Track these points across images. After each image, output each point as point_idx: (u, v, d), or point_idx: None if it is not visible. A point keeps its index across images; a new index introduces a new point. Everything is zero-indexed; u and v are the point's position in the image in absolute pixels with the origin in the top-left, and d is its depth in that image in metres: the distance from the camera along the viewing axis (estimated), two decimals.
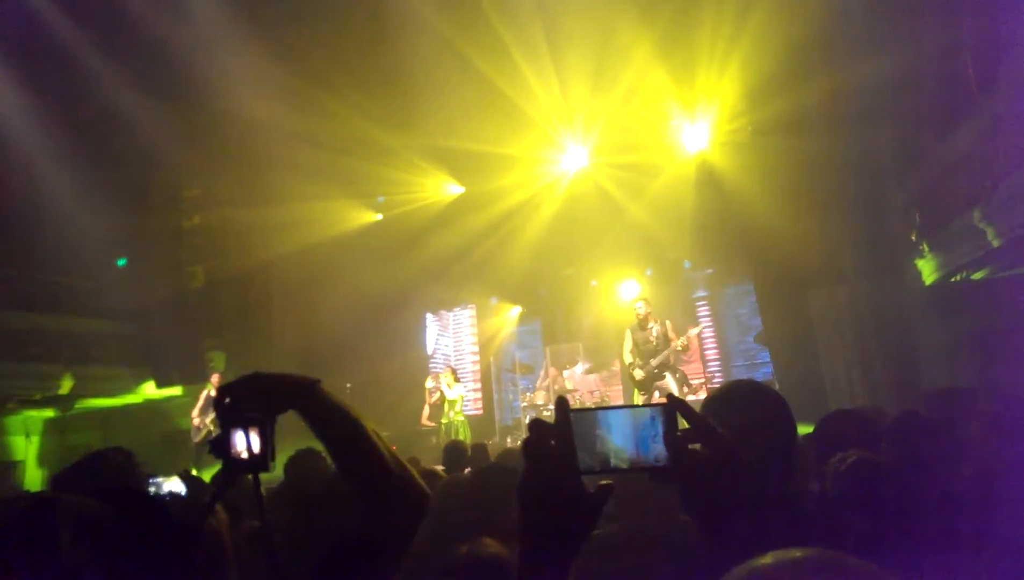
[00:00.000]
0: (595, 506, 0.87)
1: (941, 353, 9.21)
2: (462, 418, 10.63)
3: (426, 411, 11.38)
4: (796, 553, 0.63)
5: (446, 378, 10.79)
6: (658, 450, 0.90)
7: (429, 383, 11.34)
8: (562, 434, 0.88)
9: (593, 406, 0.87)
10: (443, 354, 14.49)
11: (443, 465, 5.03)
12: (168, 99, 10.51)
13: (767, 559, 0.64)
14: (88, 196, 10.47)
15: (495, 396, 13.61)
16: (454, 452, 5.16)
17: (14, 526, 0.96)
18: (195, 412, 10.30)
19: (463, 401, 10.79)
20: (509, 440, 11.45)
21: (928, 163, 9.19)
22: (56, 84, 10.08)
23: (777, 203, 9.62)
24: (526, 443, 0.89)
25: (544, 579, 0.85)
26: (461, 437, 9.54)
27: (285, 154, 11.51)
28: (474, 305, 14.44)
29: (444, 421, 10.58)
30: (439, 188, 13.21)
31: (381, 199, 14.02)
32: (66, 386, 10.90)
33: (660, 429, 0.90)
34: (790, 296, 10.27)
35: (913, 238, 9.54)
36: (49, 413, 11.93)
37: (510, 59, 10.35)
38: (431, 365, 14.31)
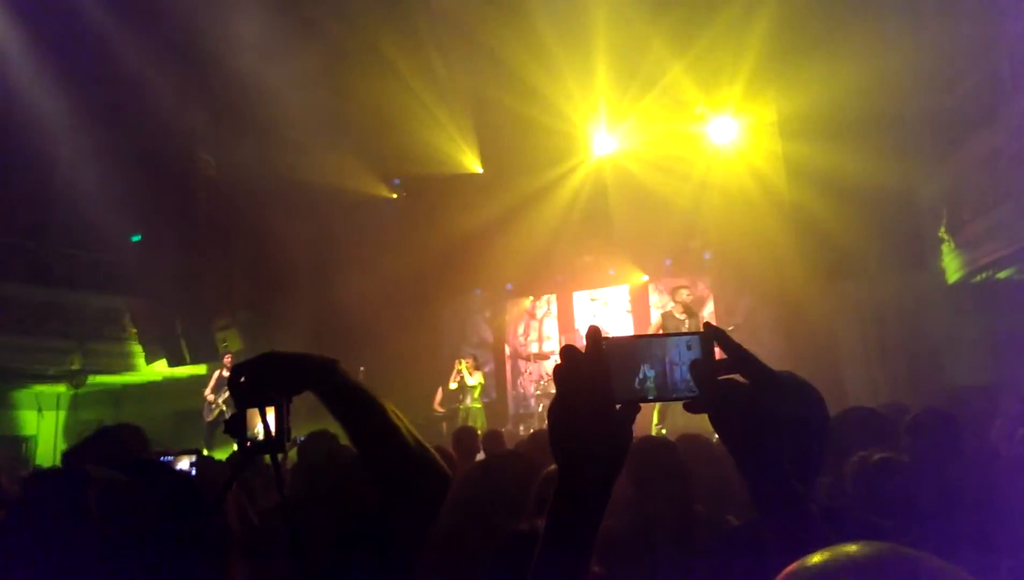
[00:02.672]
0: (625, 429, 0.86)
1: (965, 351, 9.05)
2: (479, 406, 10.60)
3: (439, 396, 11.32)
4: (853, 548, 0.56)
5: (466, 365, 10.77)
6: (692, 380, 0.88)
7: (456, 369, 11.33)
8: (595, 361, 0.86)
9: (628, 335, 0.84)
10: (456, 339, 14.40)
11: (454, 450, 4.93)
12: (188, 75, 10.46)
13: (822, 557, 0.56)
14: (105, 171, 10.45)
15: (509, 383, 13.53)
16: (464, 438, 5.07)
17: (47, 499, 0.99)
18: (207, 391, 10.28)
19: (482, 388, 10.77)
20: (522, 428, 11.35)
21: (957, 160, 9.02)
22: (78, 59, 10.05)
23: (802, 195, 9.47)
24: (558, 369, 0.87)
25: (582, 507, 0.85)
26: (478, 425, 9.48)
27: (303, 133, 11.46)
28: (489, 290, 14.33)
29: (462, 407, 10.55)
30: (459, 169, 13.11)
31: (396, 182, 13.94)
32: (78, 362, 10.92)
33: (688, 356, 0.88)
34: (813, 288, 10.10)
35: (941, 234, 9.37)
36: (61, 388, 11.97)
37: (538, 41, 10.24)
38: (445, 350, 14.25)
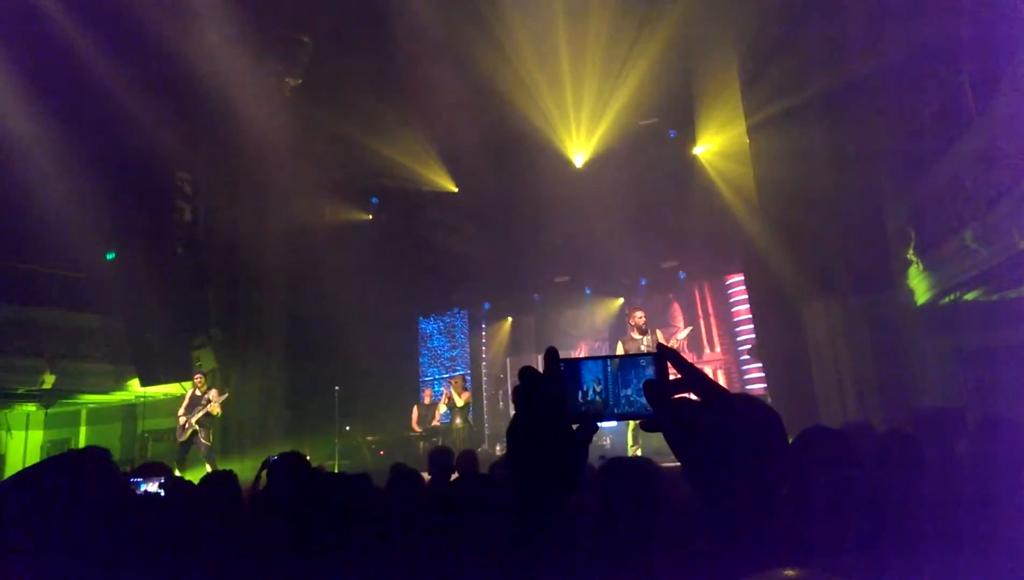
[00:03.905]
0: (582, 445, 0.89)
1: (934, 373, 9.22)
2: (465, 425, 10.55)
3: (415, 415, 11.28)
4: (789, 573, 0.60)
5: (455, 386, 10.71)
6: (640, 397, 0.89)
7: (438, 391, 11.29)
8: (551, 381, 0.89)
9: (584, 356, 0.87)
10: (433, 359, 14.39)
11: (428, 471, 4.93)
12: (164, 94, 10.44)
13: None
14: (78, 188, 10.36)
15: (485, 403, 13.52)
16: (439, 457, 5.06)
17: (78, 466, 1.11)
18: (180, 410, 10.15)
19: (469, 409, 10.71)
20: (499, 447, 11.35)
21: (924, 183, 9.23)
22: (49, 74, 9.98)
23: (773, 212, 9.62)
24: (516, 390, 0.89)
25: (538, 519, 0.87)
26: (459, 444, 9.46)
27: (278, 154, 11.47)
28: (466, 310, 14.36)
29: (454, 427, 10.50)
30: (434, 189, 13.18)
31: (375, 201, 13.98)
32: (49, 381, 10.74)
33: (642, 377, 0.90)
34: (785, 308, 10.24)
35: (909, 256, 9.56)
36: (31, 407, 11.77)
37: (506, 58, 10.40)
38: (421, 370, 14.22)
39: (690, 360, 0.92)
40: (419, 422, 11.15)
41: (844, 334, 9.95)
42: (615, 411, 0.90)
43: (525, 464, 0.88)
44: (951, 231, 8.69)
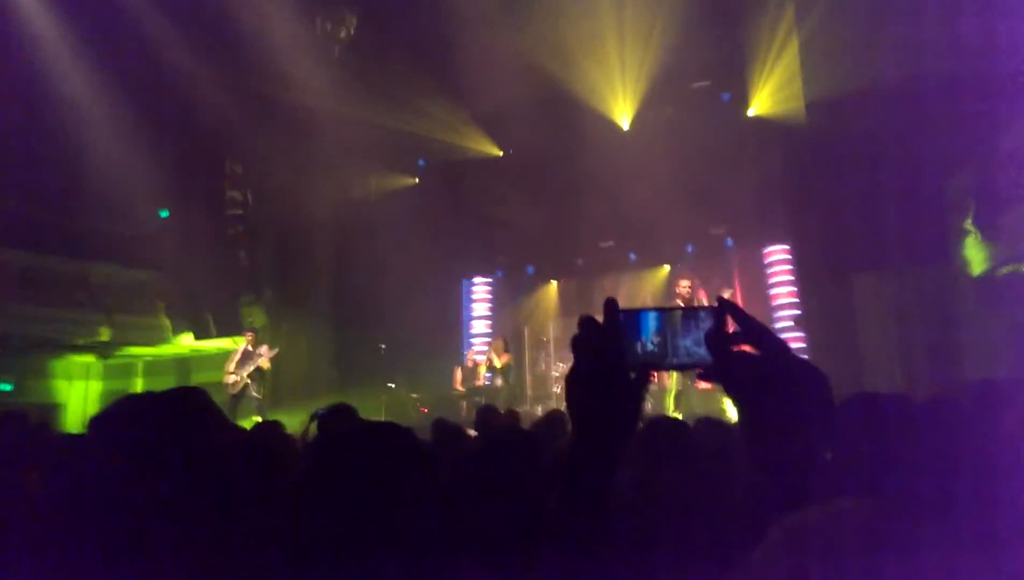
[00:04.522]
0: (638, 395, 0.90)
1: (986, 347, 8.97)
2: (507, 385, 10.75)
3: (459, 375, 11.47)
4: (850, 500, 0.60)
5: (496, 348, 10.92)
6: (705, 351, 0.91)
7: (478, 353, 11.46)
8: (610, 330, 0.90)
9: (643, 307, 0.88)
10: (476, 320, 14.52)
11: (475, 429, 5.04)
12: (214, 54, 10.60)
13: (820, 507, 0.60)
14: (133, 148, 10.64)
15: (527, 366, 13.64)
16: (487, 415, 5.17)
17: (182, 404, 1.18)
18: (231, 365, 10.49)
19: (510, 370, 10.91)
20: (540, 409, 11.47)
21: (988, 150, 8.89)
22: (111, 34, 10.20)
23: (827, 179, 9.39)
24: (575, 339, 0.91)
25: (594, 467, 0.89)
26: (503, 404, 9.62)
27: (327, 116, 11.58)
28: (510, 274, 14.42)
29: (494, 387, 10.72)
30: (479, 151, 13.18)
31: (422, 163, 14.03)
32: (105, 333, 11.18)
33: (702, 329, 0.91)
34: (833, 280, 10.04)
35: (966, 226, 9.26)
36: (90, 359, 12.27)
37: (553, 19, 10.26)
38: (465, 330, 14.38)
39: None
40: (462, 382, 11.35)
41: (895, 305, 9.74)
42: (673, 361, 0.92)
43: (582, 411, 0.90)
44: (1013, 201, 8.40)
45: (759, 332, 0.91)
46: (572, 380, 0.91)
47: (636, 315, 0.93)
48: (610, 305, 0.92)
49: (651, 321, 0.93)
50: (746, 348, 0.91)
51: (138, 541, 1.16)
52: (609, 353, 0.90)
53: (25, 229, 10.74)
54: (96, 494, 1.15)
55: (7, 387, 10.88)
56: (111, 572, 1.09)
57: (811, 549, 0.56)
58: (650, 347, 0.92)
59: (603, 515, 0.91)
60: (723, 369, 0.90)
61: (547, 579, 0.93)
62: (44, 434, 3.90)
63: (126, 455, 1.22)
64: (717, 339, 0.90)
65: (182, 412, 1.27)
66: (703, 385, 9.79)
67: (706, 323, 0.91)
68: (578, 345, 0.91)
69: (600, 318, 0.92)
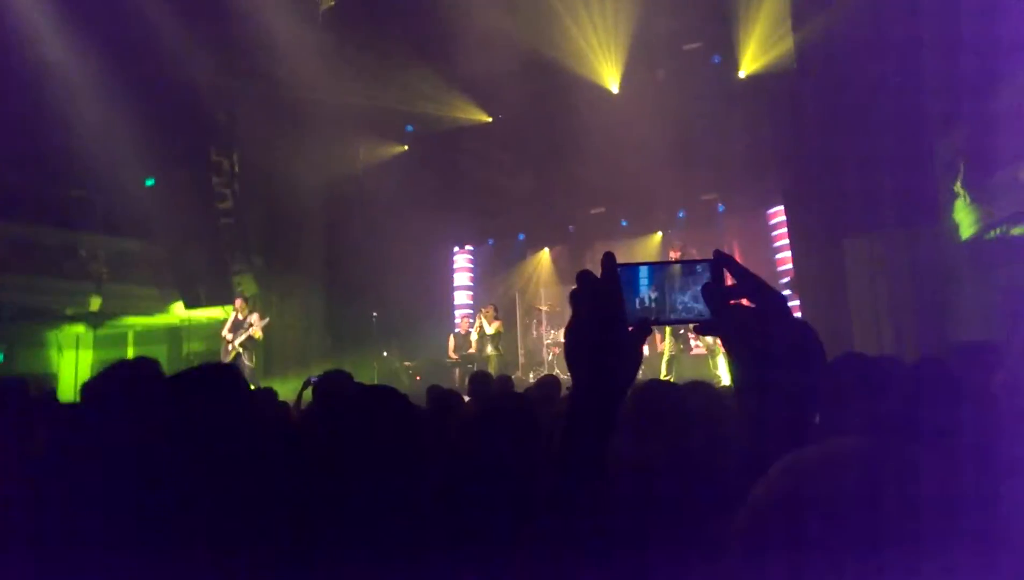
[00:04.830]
0: (636, 348, 0.91)
1: (975, 310, 9.05)
2: (497, 353, 10.79)
3: (452, 343, 11.51)
4: (849, 441, 0.59)
5: (486, 315, 10.95)
6: (702, 302, 0.91)
7: (471, 319, 11.48)
8: (608, 284, 0.90)
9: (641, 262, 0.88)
10: (467, 288, 14.54)
11: (469, 394, 5.07)
12: (199, 19, 10.39)
13: (816, 448, 0.60)
14: (121, 115, 10.49)
15: (519, 332, 13.69)
16: (480, 381, 5.20)
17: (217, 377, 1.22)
18: (224, 331, 10.48)
19: (500, 337, 10.94)
20: (532, 375, 11.54)
21: (978, 112, 8.86)
22: (93, 4, 9.99)
23: (816, 141, 9.36)
24: (573, 293, 0.91)
25: (593, 421, 0.90)
26: (495, 371, 9.67)
27: (313, 82, 11.41)
28: (501, 241, 14.40)
29: (484, 355, 10.75)
30: (468, 118, 13.04)
31: (409, 128, 13.89)
32: (95, 303, 11.13)
33: (699, 283, 0.91)
34: (825, 243, 10.07)
35: (956, 188, 9.28)
36: (80, 329, 12.23)
37: None
38: (455, 299, 14.40)
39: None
40: (455, 350, 11.39)
41: (884, 267, 9.80)
42: (671, 316, 0.93)
43: (581, 364, 0.91)
44: (1003, 163, 8.42)
45: (756, 285, 0.91)
46: (571, 333, 0.92)
47: (633, 269, 0.93)
48: (608, 259, 0.92)
49: (648, 275, 0.93)
50: (743, 302, 0.91)
51: (138, 507, 1.16)
52: (607, 306, 0.90)
53: (14, 199, 10.62)
54: (96, 460, 1.16)
55: None
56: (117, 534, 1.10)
57: (808, 479, 0.56)
58: (647, 301, 0.92)
59: (601, 472, 0.91)
60: (721, 322, 0.91)
61: (544, 542, 0.93)
62: (44, 401, 3.89)
63: (122, 421, 1.22)
64: (714, 292, 0.90)
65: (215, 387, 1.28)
66: (696, 350, 9.87)
67: (703, 277, 0.92)
68: (577, 299, 0.91)
69: (597, 274, 0.92)
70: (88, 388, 2.64)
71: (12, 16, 9.86)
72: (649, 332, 0.92)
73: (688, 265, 0.93)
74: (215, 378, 1.35)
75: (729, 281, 0.92)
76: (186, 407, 1.22)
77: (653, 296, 0.93)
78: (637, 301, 0.92)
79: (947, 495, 0.53)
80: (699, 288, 0.91)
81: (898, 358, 4.68)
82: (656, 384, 2.77)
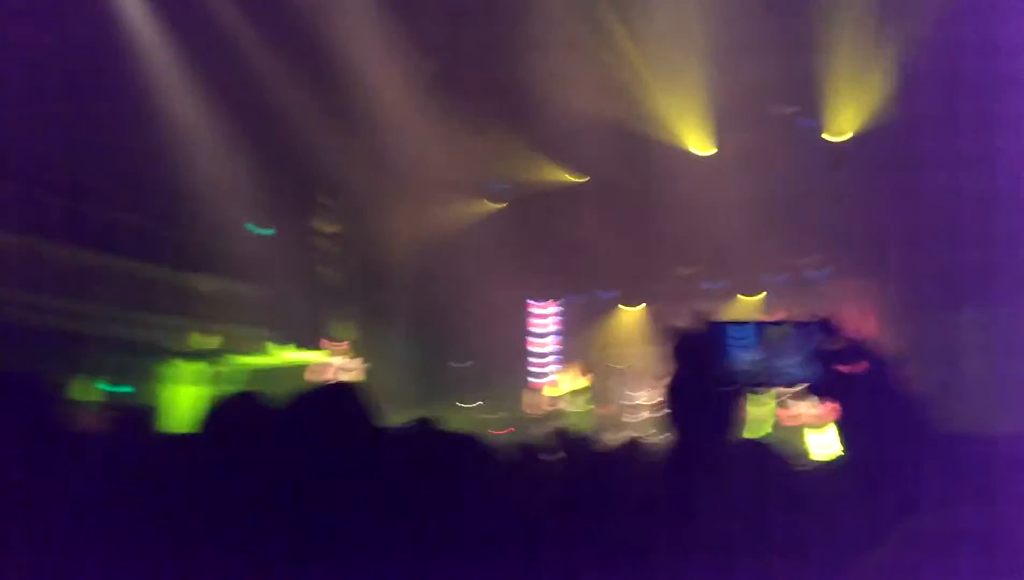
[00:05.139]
0: (734, 405, 0.87)
1: None
2: (588, 408, 10.61)
3: (533, 397, 11.49)
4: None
5: (575, 370, 10.81)
6: (809, 366, 0.82)
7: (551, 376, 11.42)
8: (711, 343, 0.88)
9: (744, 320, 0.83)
10: (548, 344, 14.49)
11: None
12: (316, 82, 11.15)
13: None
14: (239, 166, 11.30)
15: (597, 393, 13.49)
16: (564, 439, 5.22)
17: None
18: (316, 378, 10.89)
19: (590, 393, 10.79)
20: (609, 437, 11.34)
21: None
22: (214, 58, 10.83)
23: (925, 212, 9.00)
24: (676, 348, 0.91)
25: (692, 474, 0.89)
26: (585, 427, 9.60)
27: (415, 139, 11.94)
28: (587, 297, 14.38)
29: (573, 411, 10.63)
30: (561, 176, 13.24)
31: (503, 185, 14.21)
32: (214, 342, 11.84)
33: (809, 346, 0.83)
34: (932, 312, 9.59)
35: None
36: (200, 366, 12.98)
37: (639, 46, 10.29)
38: (535, 355, 14.38)
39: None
40: (530, 406, 11.34)
41: (996, 339, 9.22)
42: (773, 379, 0.88)
43: (679, 418, 0.92)
44: None
45: (866, 348, 0.91)
46: (671, 389, 0.94)
47: (736, 327, 0.90)
48: (712, 316, 0.92)
49: (753, 334, 0.90)
50: (857, 368, 0.92)
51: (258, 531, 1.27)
52: (707, 364, 0.91)
53: (142, 241, 11.51)
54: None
55: (128, 390, 11.54)
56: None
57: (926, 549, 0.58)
58: (750, 361, 0.86)
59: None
60: (834, 385, 0.88)
61: None
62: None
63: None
64: (820, 354, 0.88)
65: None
66: (789, 422, 9.48)
67: (810, 339, 0.86)
68: (679, 354, 0.92)
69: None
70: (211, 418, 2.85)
71: (144, 69, 10.70)
72: (743, 395, 0.91)
73: (795, 327, 0.88)
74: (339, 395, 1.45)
75: (837, 346, 0.89)
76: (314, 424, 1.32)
77: (758, 358, 0.86)
78: (742, 362, 0.87)
79: None
80: (807, 350, 0.85)
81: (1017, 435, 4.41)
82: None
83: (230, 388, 12.89)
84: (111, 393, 10.88)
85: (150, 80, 10.80)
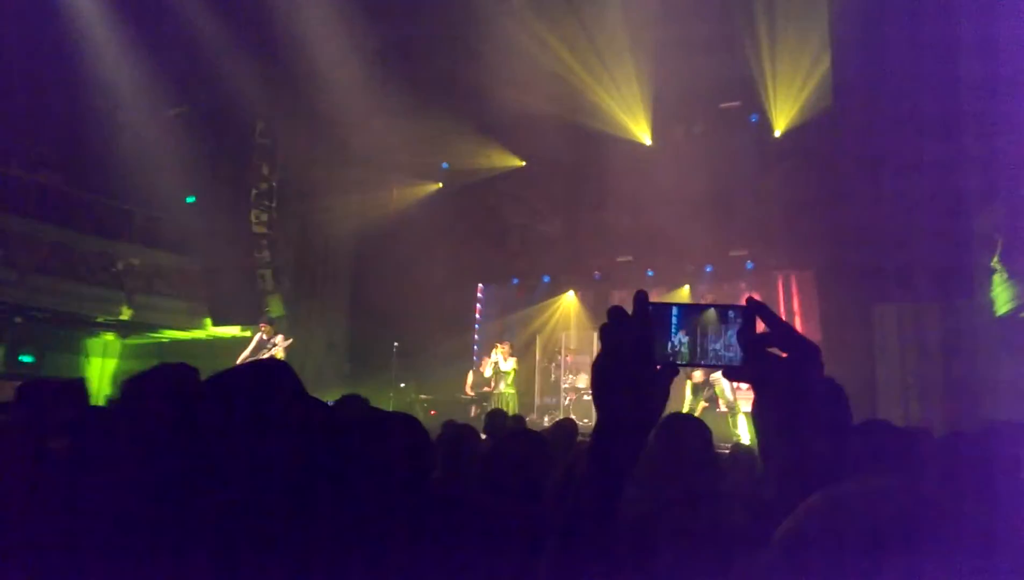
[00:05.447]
0: (664, 386, 0.91)
1: (1008, 388, 8.83)
2: (512, 391, 10.74)
3: (470, 379, 11.47)
4: (881, 481, 0.59)
5: (503, 350, 10.93)
6: (733, 349, 0.90)
7: (492, 354, 11.42)
8: (639, 322, 0.90)
9: (672, 302, 0.87)
10: (490, 326, 14.54)
11: (484, 432, 5.04)
12: (249, 46, 10.75)
13: (848, 486, 0.59)
14: (169, 134, 10.82)
15: (537, 376, 13.62)
16: (495, 419, 5.17)
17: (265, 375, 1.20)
18: (245, 354, 10.55)
19: (515, 374, 10.90)
20: (547, 419, 11.44)
21: (1015, 191, 8.79)
22: (152, 26, 10.38)
23: (854, 209, 9.32)
24: (604, 328, 0.91)
25: (615, 456, 0.90)
26: (510, 409, 9.59)
27: (357, 116, 11.69)
28: (526, 281, 14.45)
29: (495, 393, 10.70)
30: (502, 160, 13.24)
31: (445, 166, 14.11)
32: (127, 313, 11.32)
33: (737, 329, 0.90)
34: (855, 308, 9.96)
35: (993, 264, 9.14)
36: (109, 337, 12.42)
37: (584, 33, 10.34)
38: (477, 336, 14.40)
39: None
40: (472, 386, 11.35)
41: (914, 338, 9.64)
42: (700, 360, 0.92)
43: (607, 399, 0.91)
44: None
45: (791, 335, 0.90)
46: (598, 367, 0.92)
47: (666, 308, 0.92)
48: (640, 296, 0.92)
49: (680, 316, 0.92)
50: (777, 351, 0.90)
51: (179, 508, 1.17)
52: (637, 343, 0.90)
53: (56, 203, 10.92)
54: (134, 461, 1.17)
55: (29, 359, 11.03)
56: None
57: (847, 519, 0.55)
58: (678, 343, 0.92)
59: (615, 507, 0.91)
60: (753, 369, 0.90)
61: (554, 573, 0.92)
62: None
63: (163, 421, 1.24)
64: (749, 338, 0.90)
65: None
66: (719, 410, 9.72)
67: (735, 323, 0.91)
68: (606, 334, 0.91)
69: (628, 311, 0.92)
70: (127, 388, 2.67)
71: (78, 34, 10.26)
72: (676, 372, 0.92)
73: (722, 310, 0.92)
74: (266, 374, 1.36)
75: (760, 329, 0.91)
76: (236, 403, 1.23)
77: (684, 339, 0.92)
78: (668, 342, 0.92)
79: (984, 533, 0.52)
80: (732, 334, 0.90)
81: (927, 430, 4.58)
82: (679, 418, 2.72)
83: (141, 364, 12.47)
84: (18, 362, 10.39)
85: (80, 44, 10.31)
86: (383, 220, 13.17)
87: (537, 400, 13.17)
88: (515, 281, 14.52)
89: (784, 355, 0.90)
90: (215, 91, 11.00)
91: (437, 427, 4.14)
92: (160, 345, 13.07)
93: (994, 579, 0.46)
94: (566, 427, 4.42)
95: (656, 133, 12.33)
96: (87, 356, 12.45)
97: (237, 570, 1.09)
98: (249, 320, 11.46)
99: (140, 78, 10.71)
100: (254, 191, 12.54)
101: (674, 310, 0.93)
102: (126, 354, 12.93)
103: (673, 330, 0.92)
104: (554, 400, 12.85)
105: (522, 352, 12.58)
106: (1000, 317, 9.14)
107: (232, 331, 12.12)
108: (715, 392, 9.26)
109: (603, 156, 12.14)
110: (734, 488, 2.40)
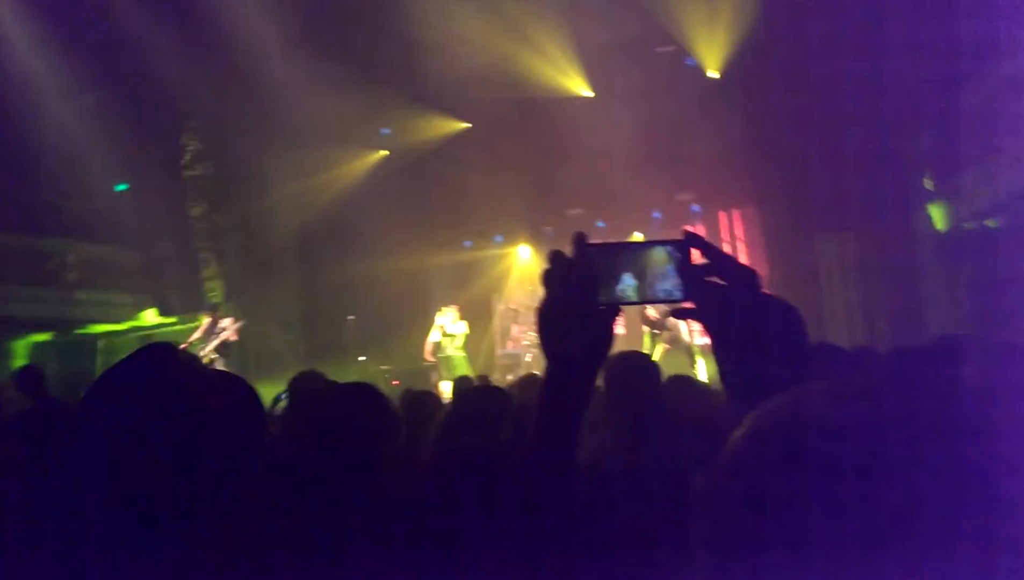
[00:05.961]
0: (608, 326, 0.91)
1: (947, 305, 9.19)
2: (463, 354, 10.73)
3: (429, 346, 11.43)
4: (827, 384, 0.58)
5: (451, 313, 10.88)
6: (674, 284, 0.91)
7: (438, 318, 11.36)
8: (579, 265, 0.90)
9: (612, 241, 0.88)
10: (446, 291, 14.46)
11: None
12: (169, 19, 10.28)
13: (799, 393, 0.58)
14: (92, 119, 10.33)
15: (498, 334, 13.66)
16: (459, 385, 5.19)
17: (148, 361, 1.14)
18: (193, 340, 10.31)
19: (466, 337, 10.89)
20: (510, 377, 11.51)
21: (948, 108, 9.01)
22: (66, 8, 9.83)
23: (787, 141, 9.47)
24: (545, 272, 0.91)
25: (567, 398, 0.91)
26: (462, 372, 9.60)
27: (291, 85, 11.33)
28: (479, 243, 14.39)
29: (442, 357, 10.68)
30: (445, 123, 13.04)
31: (385, 132, 13.83)
32: (67, 310, 10.92)
33: (678, 264, 0.91)
34: (797, 239, 10.20)
35: (926, 184, 9.43)
36: (46, 337, 11.97)
37: None
38: (432, 301, 14.32)
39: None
40: (433, 352, 11.32)
41: (856, 263, 9.93)
42: (644, 295, 0.92)
43: (553, 343, 0.91)
44: (973, 160, 8.56)
45: (727, 262, 0.91)
46: (542, 313, 0.91)
47: (605, 249, 0.92)
48: (579, 238, 0.92)
49: (620, 255, 0.93)
50: (715, 279, 0.91)
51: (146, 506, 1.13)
52: (578, 285, 0.90)
53: None
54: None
55: None
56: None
57: (774, 428, 0.56)
58: (624, 282, 0.92)
59: (573, 452, 0.91)
60: (696, 301, 0.91)
61: (520, 536, 0.92)
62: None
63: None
64: (686, 270, 0.90)
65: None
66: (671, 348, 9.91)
67: (675, 256, 0.91)
68: (548, 278, 0.91)
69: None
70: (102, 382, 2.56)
71: None
72: (618, 312, 0.92)
73: (660, 246, 0.92)
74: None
75: (699, 260, 0.91)
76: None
77: (630, 279, 0.92)
78: (614, 283, 0.92)
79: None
80: (671, 268, 0.91)
81: (873, 348, 4.74)
82: (632, 355, 2.75)
83: (82, 363, 12.09)
84: None
85: None
86: (329, 192, 12.90)
87: (498, 359, 13.23)
88: (468, 244, 14.44)
89: (723, 283, 0.91)
90: (133, 71, 10.49)
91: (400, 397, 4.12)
92: (107, 340, 12.67)
93: (960, 509, 0.45)
94: (531, 382, 4.42)
95: (597, 85, 12.26)
96: (28, 359, 12.00)
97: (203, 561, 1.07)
98: (194, 308, 11.19)
99: (56, 63, 10.15)
100: (188, 173, 12.12)
101: (616, 250, 0.93)
102: (69, 353, 12.49)
103: (618, 270, 0.92)
104: (515, 358, 12.91)
105: (479, 313, 12.57)
106: (937, 234, 9.46)
107: (173, 318, 11.82)
108: (674, 335, 9.43)
109: (547, 112, 12.05)
110: (687, 416, 2.44)
